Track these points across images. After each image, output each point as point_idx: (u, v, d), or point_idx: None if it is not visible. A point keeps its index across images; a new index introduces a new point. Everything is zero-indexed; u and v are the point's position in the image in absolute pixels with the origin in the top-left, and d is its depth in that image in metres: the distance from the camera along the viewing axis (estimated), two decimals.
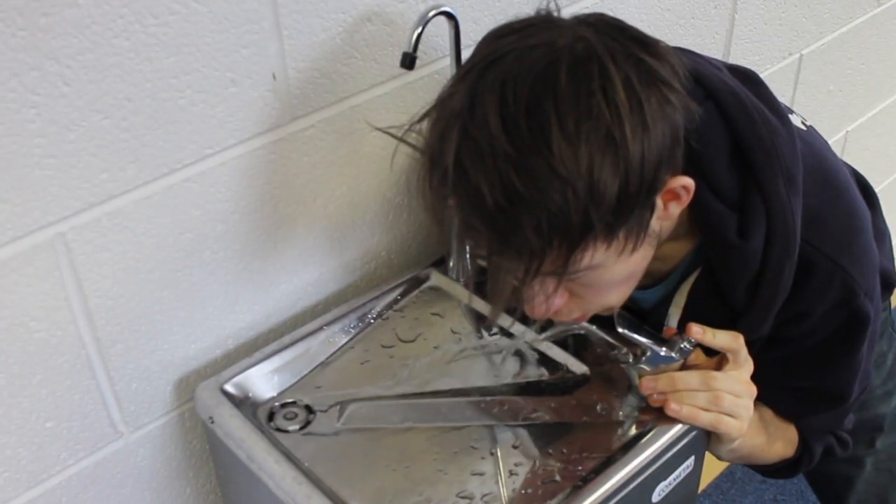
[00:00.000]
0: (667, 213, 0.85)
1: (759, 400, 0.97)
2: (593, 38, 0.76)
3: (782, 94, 1.73)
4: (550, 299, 0.84)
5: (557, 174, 0.72)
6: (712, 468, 2.13)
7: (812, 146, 0.99)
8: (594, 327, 1.04)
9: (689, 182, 0.82)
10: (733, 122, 0.91)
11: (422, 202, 0.83)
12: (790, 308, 0.95)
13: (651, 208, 0.80)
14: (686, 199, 0.84)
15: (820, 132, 1.07)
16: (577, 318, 0.92)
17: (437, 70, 1.11)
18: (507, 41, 0.78)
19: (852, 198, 0.98)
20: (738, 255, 0.91)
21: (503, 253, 0.77)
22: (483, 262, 0.83)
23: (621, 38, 0.77)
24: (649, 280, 1.04)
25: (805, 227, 0.92)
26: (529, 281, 0.78)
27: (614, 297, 0.90)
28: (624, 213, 0.76)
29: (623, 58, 0.75)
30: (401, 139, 0.86)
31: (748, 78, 0.98)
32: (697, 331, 0.91)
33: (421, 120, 0.83)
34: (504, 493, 0.88)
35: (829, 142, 1.90)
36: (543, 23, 0.80)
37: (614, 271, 0.83)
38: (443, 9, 0.95)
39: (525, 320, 1.06)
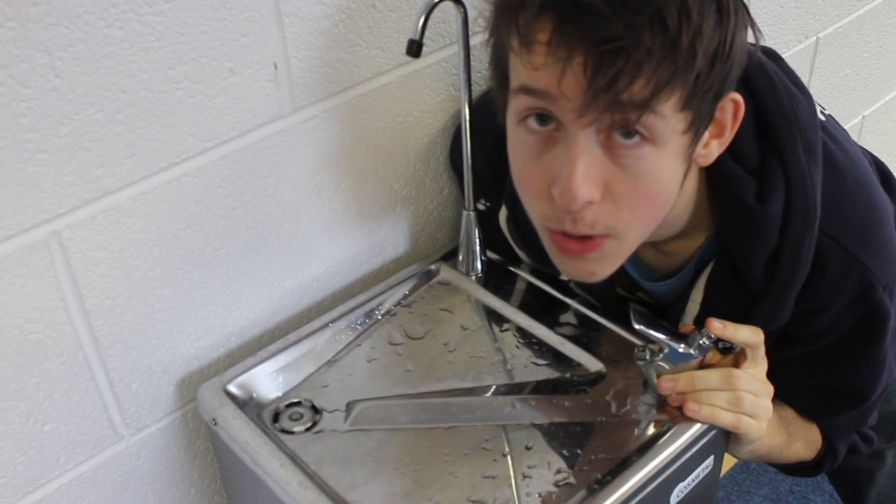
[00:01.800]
0: (708, 147, 0.84)
1: (781, 399, 0.94)
2: None
3: None
4: (589, 178, 0.77)
5: None
6: (727, 459, 2.10)
7: (831, 135, 0.96)
8: (610, 323, 1.01)
9: (740, 100, 0.83)
10: (754, 86, 0.90)
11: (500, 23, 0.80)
12: (806, 301, 0.92)
13: (717, 104, 0.80)
14: (739, 117, 0.84)
15: (836, 117, 1.04)
16: (598, 234, 0.82)
17: (444, 58, 1.07)
18: None
19: (872, 188, 0.96)
20: (756, 222, 0.88)
21: (604, 43, 0.71)
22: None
23: None
24: (661, 274, 1.01)
25: (823, 216, 0.89)
26: (619, 80, 0.73)
27: (638, 217, 0.83)
28: (708, 77, 0.75)
29: None
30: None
31: (769, 53, 0.97)
32: (718, 325, 0.88)
33: None
34: (517, 496, 0.85)
35: (846, 126, 1.88)
36: None
37: (659, 169, 0.79)
38: None
39: (537, 314, 1.03)
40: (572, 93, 0.74)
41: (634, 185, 0.79)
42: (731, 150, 0.89)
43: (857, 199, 0.93)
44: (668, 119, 0.76)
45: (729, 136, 0.85)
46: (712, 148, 0.85)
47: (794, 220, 0.88)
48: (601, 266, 0.86)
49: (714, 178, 0.90)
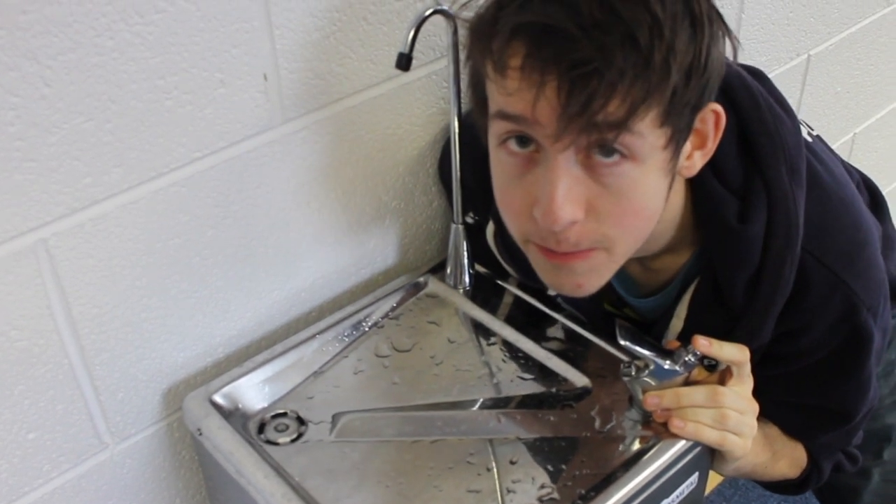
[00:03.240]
0: (691, 158, 0.84)
1: (766, 417, 0.94)
2: None
3: (790, 96, 1.68)
4: (571, 199, 0.77)
5: (649, 9, 0.71)
6: (714, 474, 2.10)
7: (818, 155, 0.96)
8: (596, 338, 1.01)
9: (721, 110, 0.83)
10: (739, 106, 0.90)
11: (475, 47, 0.80)
12: (789, 322, 0.92)
13: (694, 118, 0.80)
14: (720, 127, 0.83)
15: (827, 134, 1.05)
16: (583, 251, 0.82)
17: (434, 71, 1.07)
18: None
19: (858, 210, 0.95)
20: (737, 242, 0.88)
21: (576, 66, 0.72)
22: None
23: None
24: (647, 290, 1.01)
25: (807, 236, 0.89)
26: (593, 102, 0.73)
27: (624, 232, 0.82)
28: (682, 94, 0.75)
29: None
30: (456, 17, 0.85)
31: (755, 73, 0.97)
32: (704, 343, 0.88)
33: None
34: None
35: (836, 144, 1.88)
36: None
37: (641, 185, 0.79)
38: (440, 7, 0.92)
39: (524, 328, 1.03)
40: (547, 117, 0.74)
41: (617, 202, 0.79)
42: (714, 169, 0.89)
43: (842, 220, 0.93)
44: (647, 136, 0.76)
45: (712, 146, 0.85)
46: (695, 159, 0.85)
47: (775, 240, 0.88)
48: (588, 279, 0.85)
49: (697, 195, 0.90)
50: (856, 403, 0.99)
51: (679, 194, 0.89)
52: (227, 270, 0.99)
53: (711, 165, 0.88)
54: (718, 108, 0.82)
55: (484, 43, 0.77)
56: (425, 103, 1.09)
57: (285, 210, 1.01)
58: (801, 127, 0.97)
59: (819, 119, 1.81)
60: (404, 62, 0.90)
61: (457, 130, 1.01)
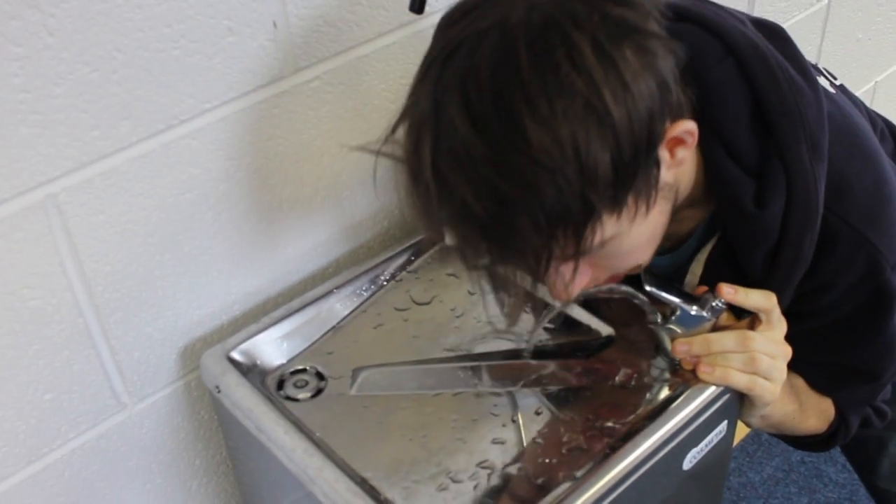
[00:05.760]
0: (675, 160, 0.79)
1: (791, 369, 0.92)
2: (548, 2, 0.69)
3: (810, 44, 1.66)
4: (572, 281, 0.79)
5: (542, 165, 0.67)
6: (738, 430, 2.08)
7: (841, 110, 0.93)
8: (620, 286, 0.99)
9: (691, 126, 0.76)
10: (755, 81, 0.85)
11: (414, 216, 0.78)
12: (812, 280, 0.89)
13: (656, 163, 0.75)
14: (692, 142, 0.78)
15: (848, 83, 1.01)
16: (608, 282, 0.87)
17: None
18: (458, 28, 0.71)
19: (882, 166, 0.92)
20: (754, 225, 0.86)
21: (507, 259, 0.74)
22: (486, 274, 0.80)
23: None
24: (663, 246, 0.98)
25: (830, 194, 0.86)
26: (542, 276, 0.74)
27: (641, 257, 0.84)
28: (625, 180, 0.71)
29: (585, 16, 0.68)
30: (379, 153, 0.80)
31: (774, 33, 0.91)
32: (728, 291, 0.86)
33: (394, 130, 0.77)
34: (527, 462, 0.83)
35: (857, 93, 1.84)
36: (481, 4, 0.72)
37: (633, 236, 0.78)
38: None
39: None
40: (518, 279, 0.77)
41: (621, 257, 0.81)
42: (729, 149, 0.85)
43: (866, 176, 0.90)
44: (610, 225, 0.74)
45: (692, 141, 0.78)
46: (679, 156, 0.79)
47: (794, 219, 0.85)
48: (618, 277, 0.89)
49: (710, 174, 0.86)
50: (881, 361, 0.97)
51: (690, 163, 0.86)
52: (241, 225, 0.98)
53: (724, 144, 0.84)
54: (685, 127, 0.76)
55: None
56: None
57: (299, 163, 0.99)
58: (823, 78, 0.94)
59: (840, 67, 1.77)
60: (418, 4, 0.87)
61: None
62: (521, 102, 0.67)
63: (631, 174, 0.71)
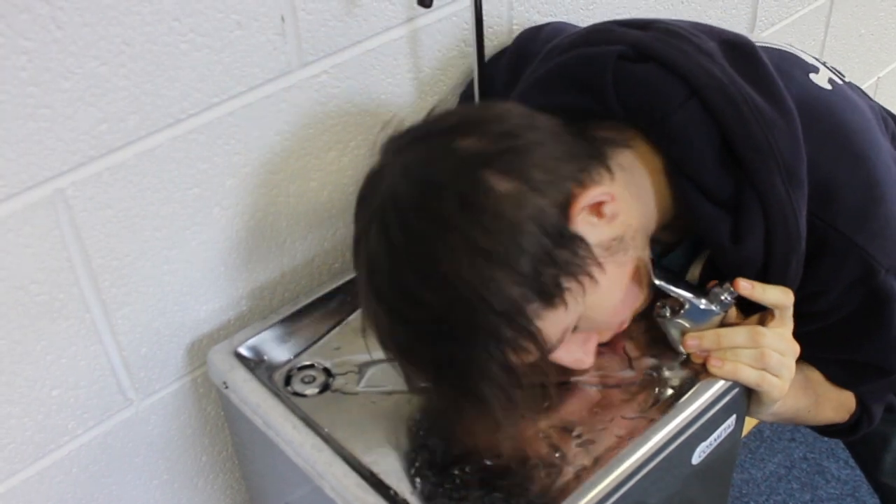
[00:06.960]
0: (606, 217, 0.79)
1: (808, 362, 0.91)
2: (415, 173, 0.76)
3: (813, 39, 1.66)
4: (582, 351, 0.85)
5: (462, 324, 0.74)
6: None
7: (831, 109, 0.91)
8: None
9: (602, 190, 0.78)
10: (721, 120, 0.83)
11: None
12: (806, 285, 0.89)
13: (579, 239, 0.76)
14: (611, 198, 0.79)
15: (850, 78, 0.99)
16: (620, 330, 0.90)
17: (455, 11, 1.04)
18: (359, 217, 0.80)
19: (874, 164, 0.89)
20: (734, 258, 0.85)
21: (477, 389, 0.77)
22: None
23: (447, 143, 0.76)
24: (665, 243, 0.98)
25: (815, 201, 0.85)
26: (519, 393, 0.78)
27: (632, 305, 0.87)
28: (546, 281, 0.74)
29: (452, 176, 0.74)
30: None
31: (741, 54, 0.88)
32: (746, 286, 0.85)
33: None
34: (537, 456, 0.83)
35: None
36: (373, 179, 0.80)
37: (602, 301, 0.81)
38: None
39: None
40: None
41: (605, 322, 0.86)
42: (700, 186, 0.84)
43: (855, 178, 0.88)
44: (564, 313, 0.77)
45: (612, 200, 0.80)
46: (608, 212, 0.80)
47: (777, 246, 0.84)
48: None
49: (685, 211, 0.85)
50: (892, 356, 0.97)
51: (644, 200, 0.86)
52: (247, 221, 0.97)
53: (694, 182, 0.83)
54: (588, 203, 0.78)
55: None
56: (446, 46, 1.06)
57: (305, 158, 0.99)
58: (821, 76, 0.93)
59: (843, 62, 1.77)
60: None
61: (478, 73, 0.98)
62: (423, 290, 0.74)
63: (547, 275, 0.74)
